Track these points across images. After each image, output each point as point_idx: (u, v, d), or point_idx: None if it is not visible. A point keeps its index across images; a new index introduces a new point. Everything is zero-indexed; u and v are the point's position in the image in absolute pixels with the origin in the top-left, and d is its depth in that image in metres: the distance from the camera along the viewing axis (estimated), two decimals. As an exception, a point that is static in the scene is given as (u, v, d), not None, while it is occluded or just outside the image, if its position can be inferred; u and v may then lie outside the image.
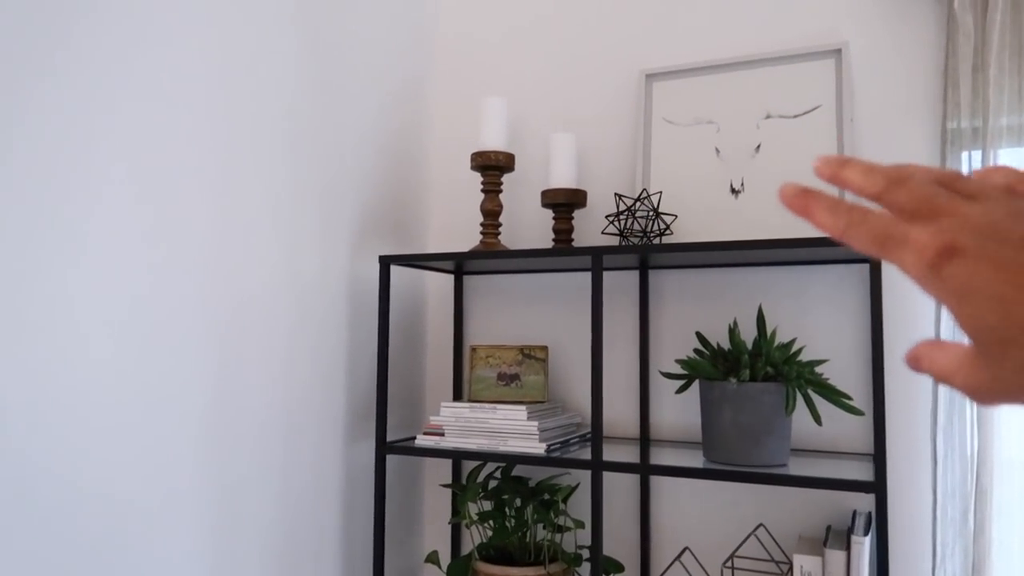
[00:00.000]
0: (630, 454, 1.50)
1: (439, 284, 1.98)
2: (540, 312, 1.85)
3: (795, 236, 1.45)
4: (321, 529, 1.59)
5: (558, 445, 1.55)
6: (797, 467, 1.36)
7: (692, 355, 1.48)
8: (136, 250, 1.21)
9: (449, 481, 1.92)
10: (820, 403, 1.57)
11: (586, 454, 1.49)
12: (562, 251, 1.47)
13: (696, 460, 1.43)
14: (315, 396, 1.58)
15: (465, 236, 1.96)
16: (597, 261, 1.44)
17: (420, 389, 1.95)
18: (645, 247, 1.40)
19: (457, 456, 1.53)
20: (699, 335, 1.48)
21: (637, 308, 1.75)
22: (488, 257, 1.54)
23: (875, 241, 0.34)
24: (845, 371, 1.56)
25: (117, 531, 1.16)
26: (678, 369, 1.69)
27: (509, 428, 1.53)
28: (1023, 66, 1.47)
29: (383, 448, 1.60)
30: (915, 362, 0.36)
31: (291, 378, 1.52)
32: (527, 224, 1.88)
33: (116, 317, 1.17)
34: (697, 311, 1.69)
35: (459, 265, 1.78)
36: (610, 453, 1.52)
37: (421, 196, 1.97)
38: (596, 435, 1.41)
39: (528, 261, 1.64)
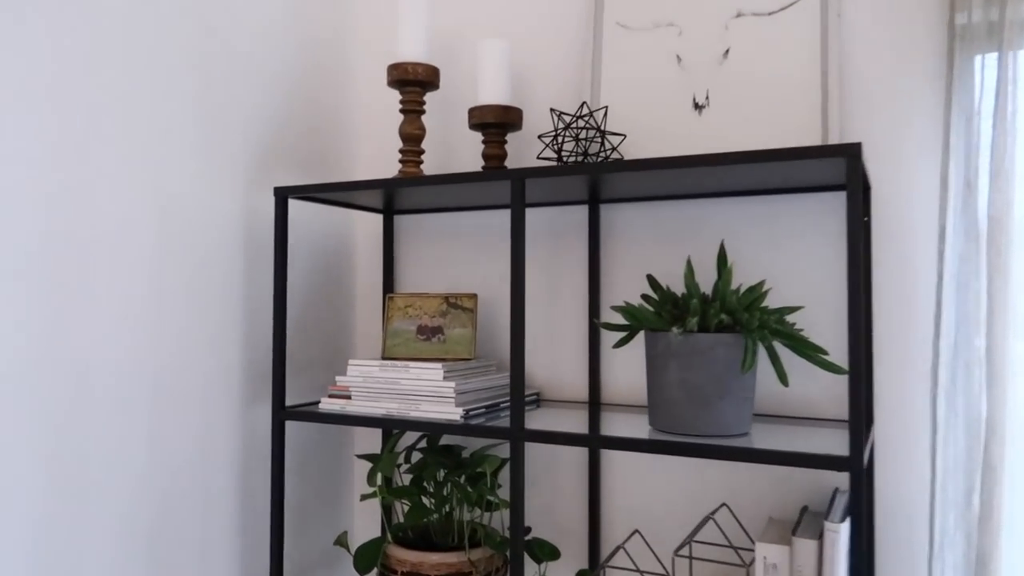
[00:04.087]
0: (576, 421, 1.26)
1: (369, 226, 1.73)
2: (483, 258, 1.59)
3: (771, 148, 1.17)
4: (208, 511, 1.36)
5: (481, 410, 1.30)
6: (761, 437, 1.10)
7: (641, 302, 1.22)
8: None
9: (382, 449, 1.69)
10: (791, 359, 1.30)
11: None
12: (471, 176, 1.21)
13: (644, 427, 1.17)
14: (198, 353, 1.34)
15: (396, 168, 1.70)
16: (517, 188, 1.17)
17: (347, 345, 1.71)
18: (575, 167, 1.14)
19: (358, 422, 1.29)
20: (650, 278, 1.22)
21: (586, 251, 1.49)
22: (380, 187, 1.28)
23: None
24: (823, 321, 1.29)
25: None
26: (620, 318, 1.43)
27: (422, 390, 1.29)
28: (1055, -61, 1.17)
29: (281, 413, 1.37)
30: None
31: (160, 333, 1.28)
32: (459, 152, 1.62)
33: None
34: (656, 252, 1.42)
35: (388, 202, 1.53)
36: (553, 419, 1.27)
37: (344, 121, 1.70)
38: (516, 398, 1.16)
39: (454, 195, 1.38)
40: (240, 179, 1.43)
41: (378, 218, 1.71)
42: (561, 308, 1.50)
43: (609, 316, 1.46)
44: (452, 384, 1.26)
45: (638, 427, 1.19)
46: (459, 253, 1.61)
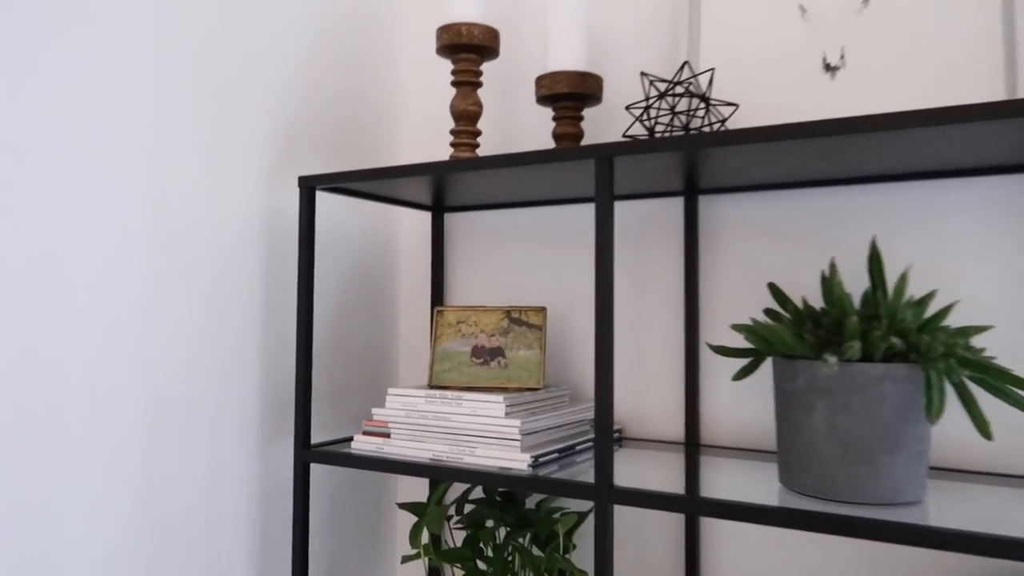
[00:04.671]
0: (674, 470, 0.97)
1: (415, 226, 1.47)
2: (551, 264, 1.31)
3: (941, 105, 0.85)
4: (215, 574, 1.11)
5: (554, 455, 1.02)
6: (941, 506, 0.80)
7: (763, 318, 0.93)
8: None
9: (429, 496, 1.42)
10: (983, 399, 0.99)
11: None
12: (542, 156, 0.93)
13: (770, 485, 0.88)
14: (204, 380, 1.10)
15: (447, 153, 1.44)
16: (604, 170, 0.89)
17: (387, 369, 1.45)
18: (688, 139, 0.85)
19: (398, 468, 1.03)
20: (774, 289, 0.93)
21: (682, 254, 1.20)
22: (426, 173, 1.01)
23: None
24: (1008, 345, 0.98)
25: None
26: (738, 340, 1.13)
27: (479, 428, 1.02)
28: None
29: (305, 454, 1.11)
30: None
31: (156, 356, 1.03)
32: (523, 133, 1.34)
33: None
34: (773, 255, 1.13)
35: (437, 196, 1.27)
36: (643, 467, 0.99)
37: (385, 99, 1.45)
38: (603, 445, 0.88)
39: (518, 185, 1.11)
40: (258, 169, 1.18)
41: (425, 216, 1.45)
42: (649, 325, 1.22)
43: (718, 335, 1.16)
44: (516, 422, 0.99)
45: (760, 484, 0.89)
46: (522, 258, 1.33)
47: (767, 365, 1.10)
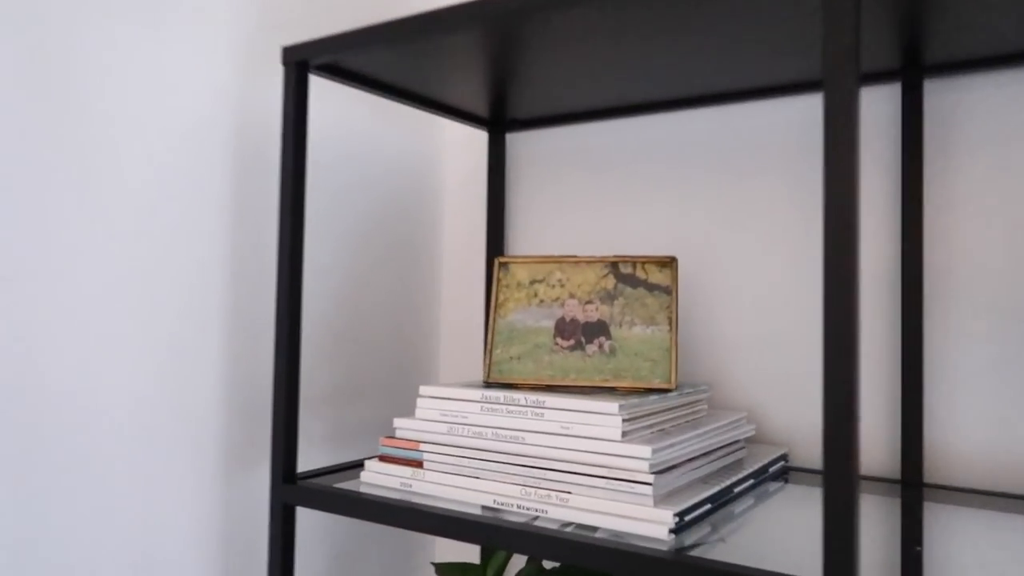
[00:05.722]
0: (881, 528, 0.52)
1: (466, 149, 1.04)
2: (673, 201, 0.87)
3: None
4: (149, 667, 0.70)
5: (705, 506, 0.58)
6: None
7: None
8: None
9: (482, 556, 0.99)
10: None
11: (777, 542, 0.52)
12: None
13: None
14: (135, 378, 0.68)
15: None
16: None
17: (429, 352, 1.02)
18: None
19: (432, 526, 0.60)
20: None
21: (896, 180, 0.75)
22: (476, 24, 0.58)
23: None
24: None
25: None
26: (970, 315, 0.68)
27: (574, 457, 0.58)
28: None
29: (288, 491, 0.69)
30: None
31: (58, 340, 0.62)
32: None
33: None
34: (1061, 173, 0.67)
35: (497, 98, 0.85)
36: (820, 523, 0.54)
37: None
38: (839, 517, 0.43)
39: (625, 69, 0.67)
40: (221, 45, 0.76)
41: (480, 137, 1.02)
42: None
43: (959, 310, 0.71)
44: (645, 451, 0.55)
45: None
46: (622, 192, 0.89)
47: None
